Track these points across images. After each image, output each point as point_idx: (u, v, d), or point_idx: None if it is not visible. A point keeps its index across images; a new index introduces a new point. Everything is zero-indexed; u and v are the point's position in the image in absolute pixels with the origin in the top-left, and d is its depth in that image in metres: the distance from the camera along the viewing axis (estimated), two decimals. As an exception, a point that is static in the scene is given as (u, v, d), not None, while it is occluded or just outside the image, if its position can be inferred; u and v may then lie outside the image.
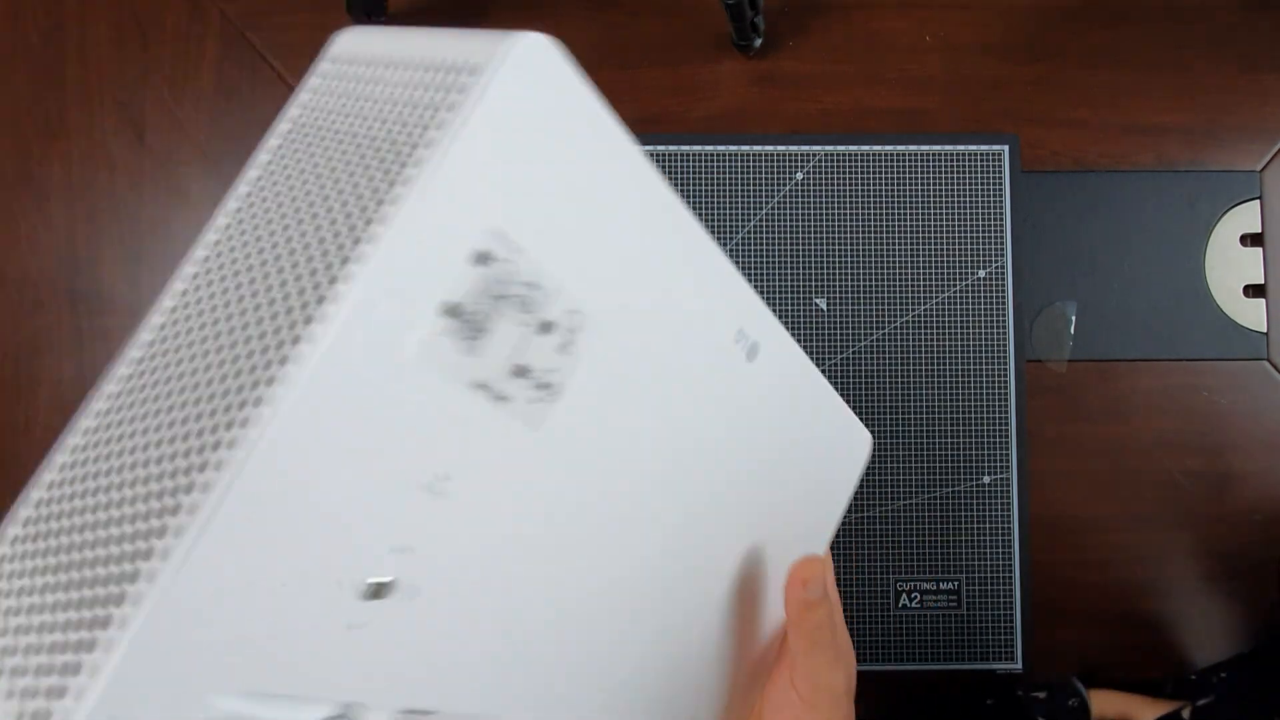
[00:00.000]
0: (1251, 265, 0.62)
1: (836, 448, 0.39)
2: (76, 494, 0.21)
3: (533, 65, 0.21)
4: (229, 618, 0.19)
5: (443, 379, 0.20)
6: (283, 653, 0.20)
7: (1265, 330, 0.61)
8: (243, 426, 0.18)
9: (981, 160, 0.61)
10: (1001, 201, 0.61)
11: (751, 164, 0.61)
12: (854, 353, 0.60)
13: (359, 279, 0.19)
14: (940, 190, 0.61)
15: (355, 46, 0.24)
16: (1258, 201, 0.62)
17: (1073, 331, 0.61)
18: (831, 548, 0.60)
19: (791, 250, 0.61)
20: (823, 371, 0.39)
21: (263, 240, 0.22)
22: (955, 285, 0.61)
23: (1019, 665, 0.59)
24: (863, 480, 0.59)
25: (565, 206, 0.23)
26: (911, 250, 0.61)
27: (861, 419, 0.41)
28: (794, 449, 0.35)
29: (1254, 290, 0.62)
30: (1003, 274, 0.61)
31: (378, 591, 0.21)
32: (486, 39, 0.21)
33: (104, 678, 0.17)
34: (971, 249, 0.61)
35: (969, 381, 0.60)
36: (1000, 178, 0.61)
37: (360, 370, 0.19)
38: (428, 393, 0.20)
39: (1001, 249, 0.61)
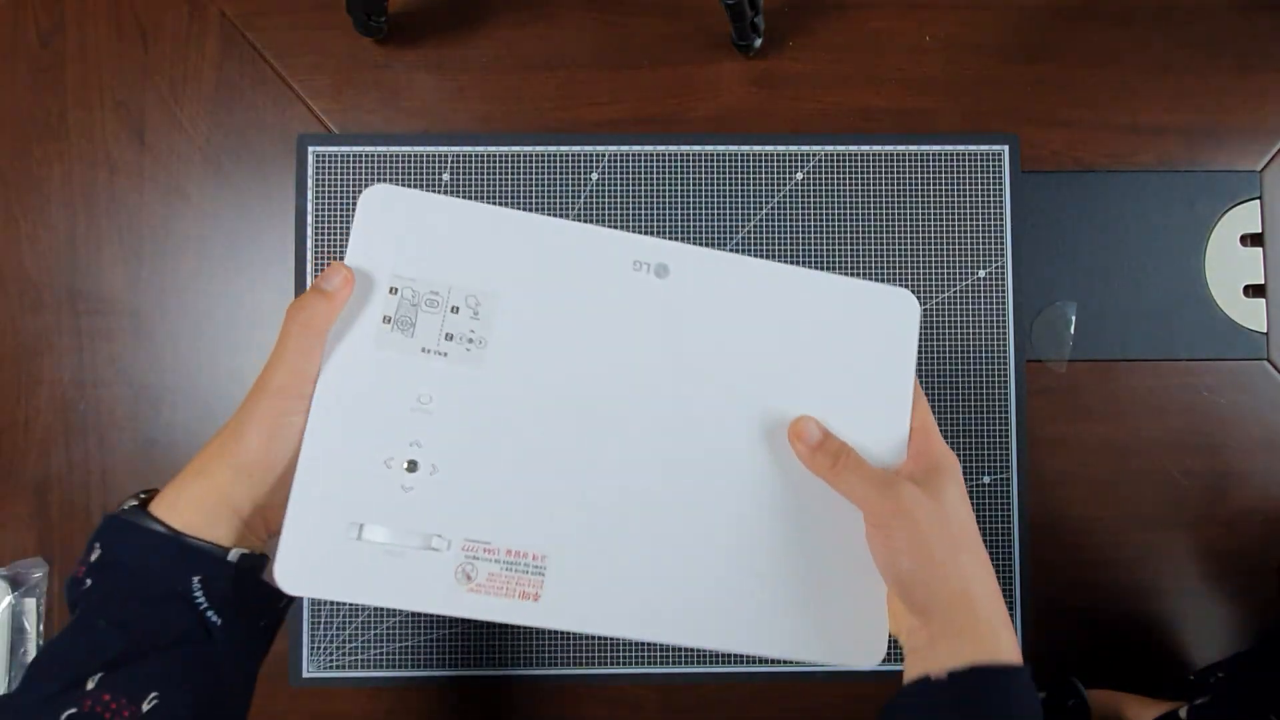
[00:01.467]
0: (1251, 265, 0.62)
1: (859, 322, 0.42)
2: None
3: (380, 206, 0.39)
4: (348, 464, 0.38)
5: (399, 351, 0.39)
6: (369, 498, 0.37)
7: (1265, 330, 0.61)
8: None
9: (981, 160, 0.61)
10: (1001, 201, 0.61)
11: (751, 164, 0.61)
12: (854, 353, 0.60)
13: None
14: (940, 190, 0.61)
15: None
16: (1258, 201, 0.62)
17: (1073, 331, 0.61)
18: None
19: (791, 250, 0.61)
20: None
21: None
22: (955, 285, 0.61)
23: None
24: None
25: (437, 250, 0.39)
26: (911, 250, 0.61)
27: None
28: (801, 332, 0.41)
29: (1254, 290, 0.62)
30: (1003, 274, 0.61)
31: (412, 467, 0.38)
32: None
33: None
34: (971, 249, 0.61)
35: (969, 381, 0.60)
36: (1000, 178, 0.61)
37: (363, 337, 0.39)
38: (397, 357, 0.39)
39: (1001, 249, 0.61)
